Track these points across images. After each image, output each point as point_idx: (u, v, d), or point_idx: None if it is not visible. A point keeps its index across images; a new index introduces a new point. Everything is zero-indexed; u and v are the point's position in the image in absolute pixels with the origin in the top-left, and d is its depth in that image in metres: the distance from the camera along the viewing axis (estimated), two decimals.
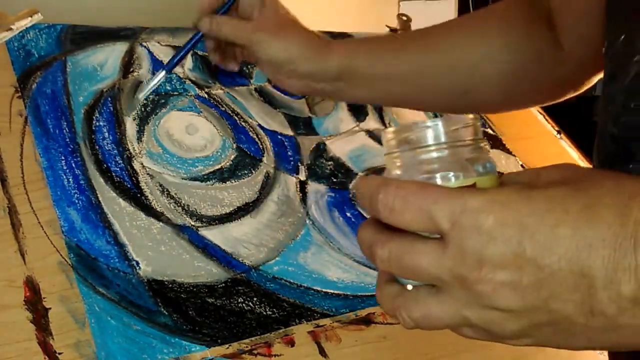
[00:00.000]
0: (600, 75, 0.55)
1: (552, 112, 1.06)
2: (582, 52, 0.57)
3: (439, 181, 0.31)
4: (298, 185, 0.74)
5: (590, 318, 0.28)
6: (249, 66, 0.83)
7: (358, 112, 0.88)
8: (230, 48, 0.69)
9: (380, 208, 0.30)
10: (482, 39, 0.60)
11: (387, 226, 0.31)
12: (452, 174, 0.31)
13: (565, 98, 0.62)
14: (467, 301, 0.29)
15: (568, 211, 0.28)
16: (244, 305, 0.61)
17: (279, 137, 0.78)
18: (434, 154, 0.31)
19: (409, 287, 0.32)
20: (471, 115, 0.32)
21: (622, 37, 0.41)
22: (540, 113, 1.05)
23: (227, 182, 0.71)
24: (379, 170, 0.81)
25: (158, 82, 0.67)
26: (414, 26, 1.10)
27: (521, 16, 0.60)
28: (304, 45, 0.61)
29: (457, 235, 0.28)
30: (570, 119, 1.07)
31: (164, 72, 0.66)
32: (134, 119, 0.71)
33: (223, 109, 0.77)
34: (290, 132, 0.80)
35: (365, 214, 0.75)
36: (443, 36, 0.61)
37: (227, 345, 0.57)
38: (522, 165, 0.94)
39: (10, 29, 0.70)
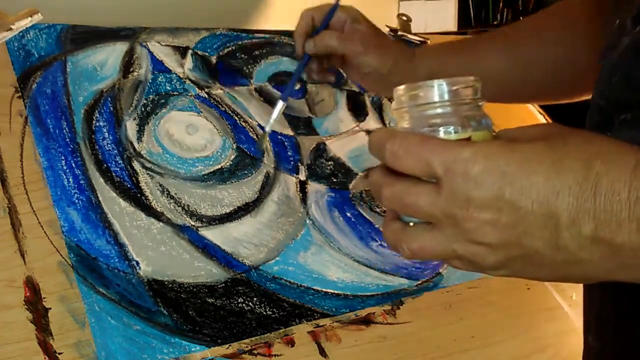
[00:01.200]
0: None
1: (552, 112, 1.06)
2: None
3: (441, 134, 0.36)
4: (298, 185, 0.74)
5: (555, 252, 0.34)
6: (248, 66, 0.83)
7: (358, 112, 0.88)
8: (326, 62, 0.74)
9: (387, 155, 0.35)
10: (560, 44, 0.65)
11: (393, 172, 0.36)
12: (452, 128, 0.36)
13: None
14: (455, 236, 0.35)
15: (541, 162, 0.33)
16: (244, 305, 0.61)
17: (279, 137, 0.78)
18: (438, 110, 0.36)
19: (411, 224, 0.37)
20: (472, 77, 0.36)
21: (617, 21, 0.46)
22: (540, 113, 1.05)
23: (227, 182, 0.71)
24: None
25: (279, 112, 0.72)
26: (414, 26, 1.10)
27: (587, 12, 0.64)
28: (397, 58, 0.68)
29: (449, 180, 0.34)
30: (570, 119, 1.07)
31: (282, 103, 0.71)
32: (134, 119, 0.71)
33: (223, 109, 0.77)
34: (290, 132, 0.80)
35: (364, 213, 0.76)
36: (526, 37, 0.66)
37: (227, 345, 0.57)
38: None
39: (10, 29, 0.70)
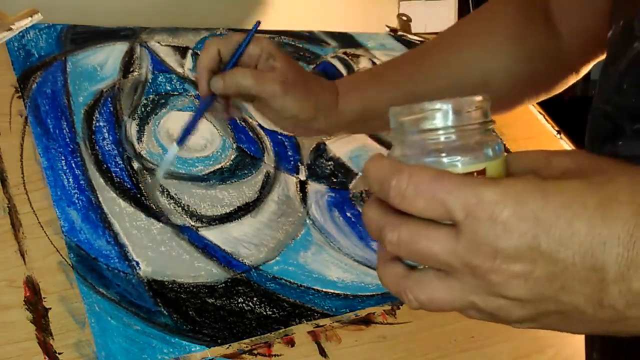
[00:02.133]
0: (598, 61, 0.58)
1: (552, 112, 1.06)
2: (582, 39, 0.58)
3: (446, 164, 0.31)
4: (298, 185, 0.74)
5: (599, 310, 0.29)
6: None
7: None
8: (234, 100, 0.63)
9: (392, 194, 0.30)
10: (489, 49, 0.60)
11: (396, 209, 0.31)
12: (459, 157, 0.31)
13: (570, 83, 0.63)
14: (476, 288, 0.30)
15: (585, 206, 0.28)
16: (244, 305, 0.61)
17: (279, 137, 0.78)
18: (442, 137, 0.31)
19: (420, 267, 0.32)
20: (480, 97, 0.32)
21: (621, 22, 0.43)
22: (540, 113, 1.05)
23: (227, 182, 0.71)
24: None
25: (174, 157, 0.60)
26: (414, 26, 1.10)
27: (520, 17, 0.60)
28: (318, 101, 0.59)
29: (471, 225, 0.29)
30: (570, 119, 1.07)
31: (175, 146, 0.59)
32: (134, 119, 0.71)
33: None
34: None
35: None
36: (448, 55, 0.61)
37: (227, 345, 0.57)
38: None
39: (10, 29, 0.70)
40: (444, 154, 0.31)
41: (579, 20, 0.58)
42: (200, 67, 0.58)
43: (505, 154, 0.32)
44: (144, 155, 0.69)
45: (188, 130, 0.59)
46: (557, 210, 0.28)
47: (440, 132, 0.31)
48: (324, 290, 0.66)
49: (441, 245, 0.30)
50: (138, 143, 0.69)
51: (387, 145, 0.86)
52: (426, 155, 0.31)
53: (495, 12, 0.62)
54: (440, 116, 0.31)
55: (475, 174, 0.30)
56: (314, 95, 0.58)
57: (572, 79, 0.62)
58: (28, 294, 0.53)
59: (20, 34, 0.71)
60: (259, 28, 0.58)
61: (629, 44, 0.41)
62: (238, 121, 0.77)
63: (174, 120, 0.73)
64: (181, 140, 0.58)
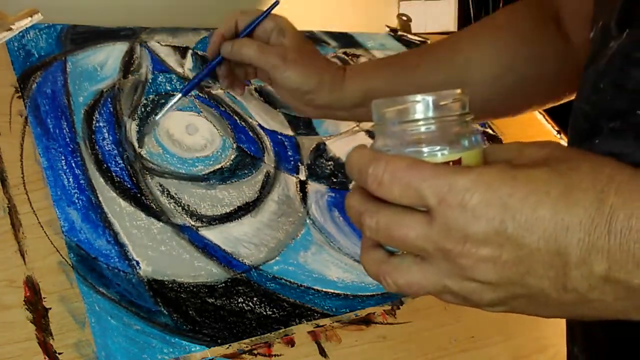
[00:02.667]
0: None
1: (552, 112, 1.06)
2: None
3: (425, 154, 0.32)
4: (298, 185, 0.74)
5: (562, 293, 0.31)
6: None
7: None
8: (240, 71, 0.67)
9: (370, 181, 0.32)
10: (497, 50, 0.60)
11: (375, 196, 0.32)
12: (438, 147, 0.32)
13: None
14: (449, 272, 0.31)
15: (548, 194, 0.29)
16: (244, 305, 0.61)
17: (279, 137, 0.78)
18: (422, 128, 0.32)
19: (399, 253, 0.33)
20: (459, 90, 0.33)
21: (600, 23, 0.43)
22: (540, 113, 1.05)
23: (227, 182, 0.71)
24: None
25: (174, 104, 0.66)
26: (414, 26, 1.10)
27: (531, 19, 0.61)
28: (323, 76, 0.61)
29: (443, 212, 0.30)
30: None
31: (180, 95, 0.66)
32: (134, 119, 0.71)
33: (223, 109, 0.77)
34: (290, 132, 0.80)
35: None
36: (456, 52, 0.61)
37: (227, 345, 0.57)
38: None
39: (10, 29, 0.70)
40: (423, 145, 0.32)
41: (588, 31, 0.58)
42: (215, 33, 0.63)
43: (484, 145, 0.33)
44: (144, 155, 0.69)
45: (193, 83, 0.66)
46: (523, 197, 0.29)
47: (420, 123, 0.32)
48: (324, 290, 0.66)
49: (416, 231, 0.31)
50: (138, 143, 0.69)
51: None
52: (406, 146, 0.32)
53: (507, 16, 0.62)
54: (421, 108, 0.32)
55: (451, 163, 0.32)
56: (319, 70, 0.61)
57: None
58: (28, 294, 0.53)
59: (20, 34, 0.71)
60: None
61: (606, 44, 0.42)
62: (238, 121, 0.77)
63: (174, 120, 0.73)
64: (186, 91, 0.66)
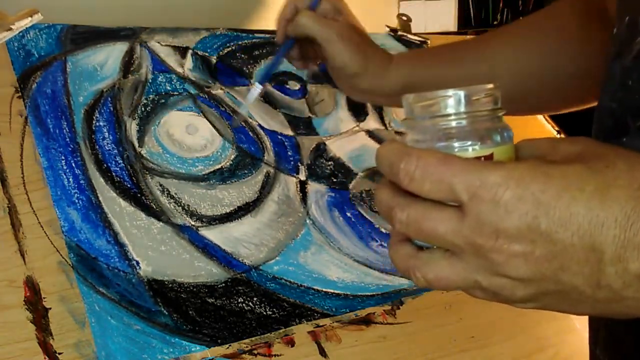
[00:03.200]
0: None
1: (555, 115, 1.06)
2: None
3: (456, 150, 0.32)
4: (298, 185, 0.74)
5: (596, 290, 0.30)
6: (248, 66, 0.83)
7: (358, 112, 0.88)
8: (311, 51, 0.69)
9: (401, 176, 0.32)
10: (540, 45, 0.61)
11: (405, 190, 0.32)
12: (469, 143, 0.32)
13: None
14: (479, 267, 0.31)
15: (583, 190, 0.29)
16: (244, 305, 0.61)
17: (279, 137, 0.78)
18: (453, 123, 0.32)
19: (428, 247, 0.33)
20: (491, 85, 0.33)
21: (627, 18, 0.43)
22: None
23: (227, 182, 0.71)
24: (379, 170, 0.81)
25: (258, 95, 0.69)
26: (414, 26, 1.10)
27: (578, 18, 0.61)
28: (368, 61, 0.63)
29: (475, 207, 0.30)
30: (570, 119, 1.07)
31: (259, 86, 0.69)
32: (134, 119, 0.71)
33: (223, 109, 0.77)
34: (290, 132, 0.80)
35: (364, 213, 0.75)
36: (502, 45, 0.62)
37: (227, 345, 0.57)
38: None
39: (10, 29, 0.70)
40: (454, 140, 0.32)
41: None
42: (278, 18, 0.66)
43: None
44: (144, 155, 0.69)
45: (269, 71, 0.68)
46: (557, 193, 0.29)
47: (452, 117, 0.32)
48: (324, 290, 0.66)
49: (446, 226, 0.31)
50: (138, 143, 0.69)
51: None
52: (437, 141, 0.32)
53: (549, 12, 0.63)
54: (452, 103, 0.32)
55: (482, 158, 0.32)
56: (366, 52, 0.64)
57: None
58: (28, 294, 0.53)
59: (20, 34, 0.71)
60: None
61: (633, 39, 0.41)
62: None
63: (174, 120, 0.73)
64: (262, 80, 0.68)
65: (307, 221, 0.71)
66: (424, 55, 0.67)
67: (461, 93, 0.32)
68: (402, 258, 0.34)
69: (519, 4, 1.48)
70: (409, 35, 1.07)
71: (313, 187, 0.75)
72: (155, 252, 0.61)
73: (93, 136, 0.67)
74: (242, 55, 0.84)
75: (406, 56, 0.67)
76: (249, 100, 0.69)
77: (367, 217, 0.75)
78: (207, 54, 0.82)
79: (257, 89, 0.69)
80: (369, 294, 0.67)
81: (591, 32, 0.60)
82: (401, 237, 0.35)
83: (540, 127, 1.03)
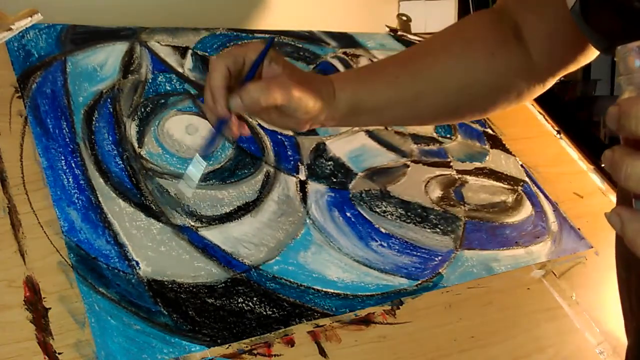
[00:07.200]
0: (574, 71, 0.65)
1: (552, 112, 1.06)
2: (550, 59, 0.63)
3: None
4: (298, 185, 0.74)
5: None
6: None
7: None
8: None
9: (633, 123, 0.30)
10: (467, 62, 0.63)
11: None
12: None
13: (537, 95, 0.67)
14: None
15: None
16: (244, 305, 0.61)
17: (279, 137, 0.78)
18: None
19: None
20: None
21: None
22: (540, 113, 1.05)
23: (227, 182, 0.71)
24: (379, 170, 0.81)
25: (202, 174, 0.59)
26: (414, 26, 1.10)
27: (497, 33, 0.64)
28: (322, 94, 0.59)
29: None
30: (570, 119, 1.07)
31: (203, 162, 0.58)
32: (134, 120, 0.71)
33: None
34: (290, 132, 0.80)
35: (364, 213, 0.75)
36: (434, 64, 0.64)
37: (227, 345, 0.57)
38: (521, 165, 0.94)
39: (10, 29, 0.70)
40: None
41: (548, 46, 0.62)
42: (215, 87, 0.55)
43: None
44: (144, 155, 0.69)
45: (209, 147, 0.57)
46: None
47: None
48: (323, 290, 0.66)
49: None
50: (138, 143, 0.69)
51: (387, 145, 0.86)
52: None
53: (475, 27, 0.66)
54: None
55: None
56: (319, 89, 0.58)
57: (539, 91, 0.66)
58: (28, 294, 0.53)
59: (20, 34, 0.71)
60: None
61: None
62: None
63: (174, 120, 0.73)
64: (207, 156, 0.58)
65: (307, 221, 0.71)
66: (361, 77, 0.64)
67: None
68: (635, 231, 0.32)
69: None
70: (409, 35, 1.07)
71: (313, 187, 0.75)
72: (155, 253, 0.61)
73: (93, 136, 0.68)
74: None
75: (345, 78, 0.63)
76: (193, 175, 0.58)
77: (367, 217, 0.75)
78: (207, 54, 0.82)
79: (202, 163, 0.58)
80: (368, 294, 0.67)
81: (506, 51, 0.63)
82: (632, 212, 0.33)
83: (540, 127, 1.03)
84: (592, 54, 0.62)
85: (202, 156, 0.58)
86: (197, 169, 0.58)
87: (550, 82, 0.66)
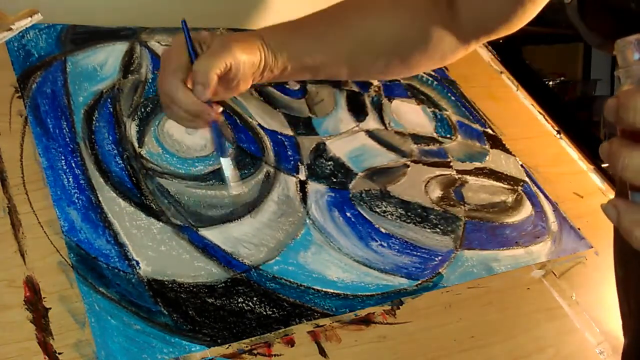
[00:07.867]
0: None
1: (552, 112, 1.06)
2: (477, 25, 0.66)
3: None
4: (298, 185, 0.74)
5: None
6: None
7: (357, 112, 0.88)
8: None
9: (630, 114, 0.30)
10: (397, 22, 0.65)
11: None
12: None
13: (459, 57, 0.69)
14: None
15: None
16: (244, 305, 0.61)
17: (279, 137, 0.78)
18: None
19: None
20: None
21: None
22: (540, 113, 1.05)
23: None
24: (379, 170, 0.81)
25: (231, 170, 0.61)
26: None
27: None
28: (257, 47, 0.60)
29: None
30: (570, 119, 1.07)
31: (226, 158, 0.61)
32: (134, 119, 0.71)
33: (223, 108, 0.77)
34: (290, 132, 0.80)
35: (364, 213, 0.75)
36: (362, 20, 0.65)
37: (227, 345, 0.57)
38: (522, 165, 0.94)
39: (10, 29, 0.70)
40: None
41: (479, 13, 0.65)
42: (196, 92, 0.57)
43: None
44: (144, 155, 0.69)
45: (221, 149, 0.61)
46: None
47: None
48: (323, 290, 0.66)
49: None
50: (138, 143, 0.69)
51: (387, 145, 0.86)
52: None
53: None
54: None
55: None
56: (252, 40, 0.60)
57: (462, 54, 0.69)
58: (28, 294, 0.53)
59: (20, 34, 0.71)
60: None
61: None
62: (238, 121, 0.77)
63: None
64: (223, 153, 0.61)
65: (307, 221, 0.71)
66: (291, 32, 0.64)
67: None
68: (630, 210, 0.32)
69: None
70: None
71: (313, 187, 0.75)
72: (155, 252, 0.61)
73: (93, 136, 0.68)
74: None
75: (275, 34, 0.63)
76: (228, 175, 0.61)
77: (367, 217, 0.75)
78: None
79: (226, 161, 0.61)
80: (368, 294, 0.67)
81: (434, 13, 0.65)
82: (629, 203, 0.33)
83: (540, 127, 1.03)
84: (515, 27, 0.64)
85: (222, 155, 0.61)
86: (227, 168, 0.61)
87: (473, 46, 0.68)
